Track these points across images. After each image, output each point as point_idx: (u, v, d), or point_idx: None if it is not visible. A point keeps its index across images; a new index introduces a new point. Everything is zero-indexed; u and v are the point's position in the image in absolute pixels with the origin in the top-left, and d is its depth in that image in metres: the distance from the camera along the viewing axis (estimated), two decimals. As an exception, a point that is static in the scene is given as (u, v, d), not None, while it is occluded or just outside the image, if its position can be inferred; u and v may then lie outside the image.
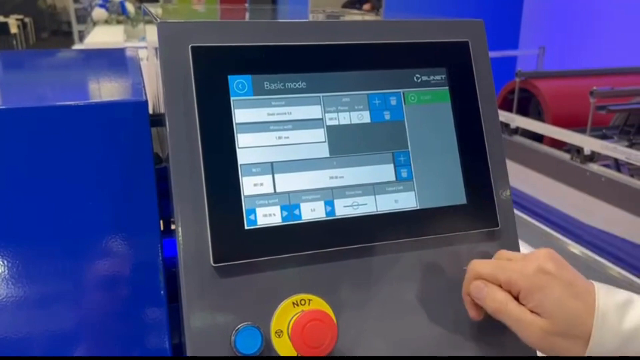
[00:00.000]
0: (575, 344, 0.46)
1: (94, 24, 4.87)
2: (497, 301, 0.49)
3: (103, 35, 4.15)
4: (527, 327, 0.47)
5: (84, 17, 6.08)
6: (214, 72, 0.50)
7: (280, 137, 0.51)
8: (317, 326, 0.48)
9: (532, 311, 0.47)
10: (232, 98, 0.50)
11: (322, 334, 0.48)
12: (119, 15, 4.92)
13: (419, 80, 0.56)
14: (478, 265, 0.51)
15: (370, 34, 0.56)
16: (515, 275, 0.48)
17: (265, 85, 0.51)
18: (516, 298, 0.49)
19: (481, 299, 0.50)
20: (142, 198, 0.55)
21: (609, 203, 2.62)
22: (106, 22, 4.85)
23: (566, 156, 3.03)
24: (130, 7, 4.93)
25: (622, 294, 0.47)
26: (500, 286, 0.49)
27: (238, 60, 0.51)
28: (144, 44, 3.59)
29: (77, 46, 4.70)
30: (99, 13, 4.78)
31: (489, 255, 0.55)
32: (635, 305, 0.47)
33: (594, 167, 2.87)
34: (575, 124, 3.11)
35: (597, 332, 0.46)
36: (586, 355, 0.46)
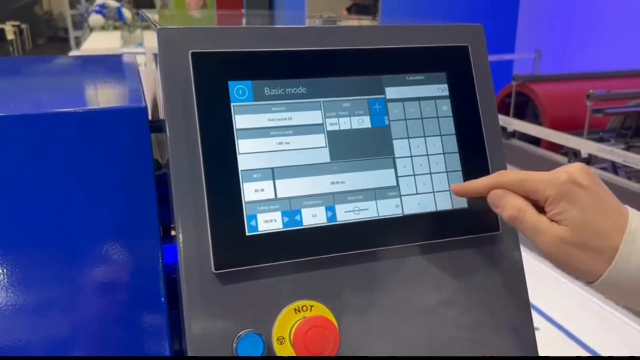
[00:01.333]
0: (595, 258, 0.45)
1: (91, 30, 4.87)
2: (515, 208, 0.47)
3: (100, 41, 4.15)
4: (544, 234, 0.46)
5: (80, 23, 6.08)
6: (214, 78, 0.50)
7: (280, 143, 0.51)
8: (319, 332, 0.47)
9: (553, 220, 0.46)
10: (232, 104, 0.50)
11: (325, 340, 0.47)
12: (116, 21, 4.92)
13: (419, 85, 0.56)
14: (502, 175, 0.49)
15: (370, 39, 0.56)
16: (543, 185, 0.46)
17: (266, 91, 0.51)
18: (539, 210, 0.47)
19: (500, 206, 0.48)
20: (142, 204, 0.55)
21: (607, 206, 2.62)
22: (103, 28, 4.85)
23: (563, 159, 3.04)
24: (127, 13, 4.94)
25: None
26: (524, 197, 0.47)
27: (238, 66, 0.51)
28: (141, 50, 3.59)
29: (74, 52, 4.70)
30: (95, 19, 4.79)
31: (490, 260, 0.55)
32: None
33: (591, 170, 2.87)
34: (572, 127, 3.13)
35: (626, 248, 0.44)
36: (608, 271, 0.44)
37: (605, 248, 0.44)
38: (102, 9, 4.87)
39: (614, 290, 0.46)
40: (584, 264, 0.45)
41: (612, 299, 0.47)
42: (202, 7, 5.12)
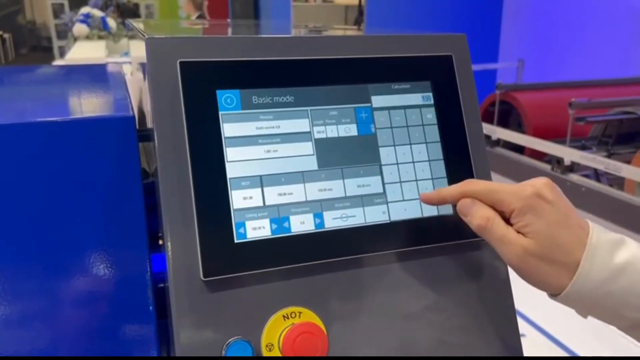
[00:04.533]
0: (559, 271, 0.46)
1: (75, 39, 4.84)
2: (484, 218, 0.48)
3: (84, 51, 4.13)
4: (510, 245, 0.47)
5: (64, 32, 6.04)
6: (203, 87, 0.50)
7: (269, 151, 0.51)
8: (307, 339, 0.48)
9: (518, 232, 0.47)
10: (220, 112, 0.50)
11: (313, 346, 0.48)
12: (100, 30, 4.90)
13: (405, 93, 0.57)
14: (472, 184, 0.50)
15: (356, 48, 0.57)
16: (510, 197, 0.47)
17: (254, 100, 0.52)
18: (506, 220, 0.48)
19: (469, 215, 0.49)
20: (130, 213, 0.55)
21: (590, 212, 2.66)
22: (87, 37, 4.83)
23: (547, 167, 3.08)
24: (111, 23, 4.92)
25: (616, 235, 0.47)
26: (491, 207, 0.48)
27: (226, 75, 0.51)
28: (126, 59, 3.58)
29: (57, 62, 4.67)
30: (80, 29, 4.76)
31: (476, 265, 0.56)
32: (627, 244, 0.46)
33: (574, 177, 2.91)
34: (554, 135, 3.17)
35: (587, 263, 0.45)
36: (570, 285, 0.45)
37: (568, 262, 0.46)
38: (87, 19, 4.85)
39: (577, 304, 0.47)
40: (548, 277, 0.46)
41: (577, 311, 0.48)
42: (199, 16, 5.13)
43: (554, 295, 0.48)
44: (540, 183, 0.48)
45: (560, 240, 0.46)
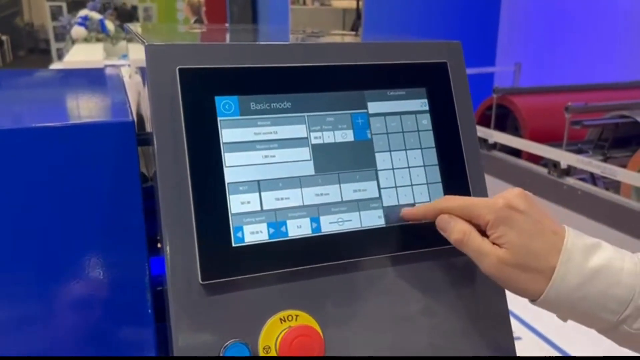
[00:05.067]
0: (535, 278, 0.47)
1: (73, 42, 4.85)
2: (461, 232, 0.50)
3: (82, 53, 4.14)
4: (486, 256, 0.48)
5: (62, 35, 6.05)
6: (201, 94, 0.51)
7: (266, 156, 0.52)
8: (304, 341, 0.49)
9: (494, 243, 0.49)
10: (219, 118, 0.51)
11: (310, 348, 0.48)
12: (99, 33, 4.91)
13: (400, 100, 0.58)
14: (448, 200, 0.52)
15: (353, 55, 0.58)
16: (483, 210, 0.49)
17: (252, 106, 0.52)
18: (482, 233, 0.50)
19: (447, 230, 0.51)
20: (129, 217, 0.55)
21: (586, 216, 2.68)
22: (85, 40, 4.83)
23: (543, 170, 3.09)
24: (110, 25, 4.93)
25: (592, 239, 0.49)
26: (468, 222, 0.50)
27: (224, 82, 0.52)
28: (124, 62, 3.58)
29: (56, 64, 4.67)
30: (78, 31, 4.77)
31: (470, 269, 0.57)
32: (602, 248, 0.48)
33: (571, 180, 2.92)
34: (551, 138, 3.18)
35: (562, 268, 0.47)
36: (547, 290, 0.47)
37: (543, 268, 0.47)
38: (85, 21, 4.86)
39: (555, 308, 0.49)
40: (525, 284, 0.48)
41: (557, 316, 0.50)
42: (197, 21, 5.14)
43: (533, 300, 0.49)
44: (512, 194, 0.50)
45: (534, 248, 0.47)
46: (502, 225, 0.48)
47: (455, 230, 0.50)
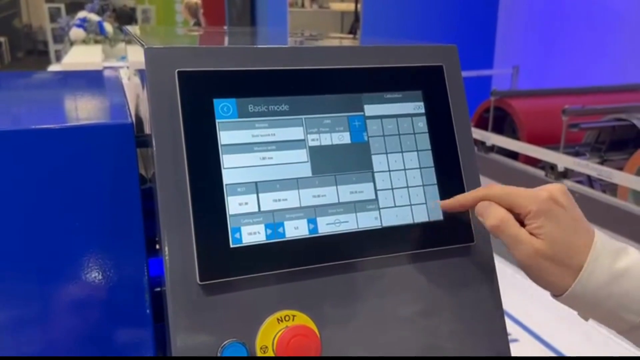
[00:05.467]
0: (564, 272, 0.49)
1: (72, 43, 4.84)
2: (498, 218, 0.50)
3: (81, 55, 4.13)
4: (522, 244, 0.49)
5: (60, 36, 6.04)
6: (200, 96, 0.52)
7: (264, 158, 0.53)
8: (301, 341, 0.49)
9: (531, 233, 0.49)
10: (217, 120, 0.52)
11: (306, 348, 0.49)
12: (97, 35, 4.90)
13: (397, 103, 0.58)
14: (490, 188, 0.53)
15: (350, 58, 0.58)
16: (526, 200, 0.50)
17: (250, 108, 0.53)
18: (520, 223, 0.50)
19: (485, 215, 0.52)
20: (128, 219, 0.56)
21: (583, 218, 2.67)
22: (84, 41, 4.83)
23: (541, 173, 3.10)
24: (108, 27, 4.92)
25: (620, 243, 0.50)
26: (507, 209, 0.51)
27: (223, 85, 0.53)
28: (122, 64, 3.58)
29: (54, 65, 4.67)
30: (76, 33, 4.76)
31: (465, 269, 0.58)
32: (629, 252, 0.50)
33: (568, 183, 2.93)
34: (548, 141, 3.19)
35: (590, 265, 0.48)
36: (573, 285, 0.48)
37: (574, 264, 0.49)
38: (84, 23, 4.85)
39: (579, 304, 0.50)
40: (554, 277, 0.49)
41: (579, 314, 0.51)
42: (196, 23, 5.14)
43: (557, 295, 0.50)
44: (555, 188, 0.51)
45: (569, 244, 0.49)
46: (544, 216, 0.49)
47: (493, 216, 0.51)
